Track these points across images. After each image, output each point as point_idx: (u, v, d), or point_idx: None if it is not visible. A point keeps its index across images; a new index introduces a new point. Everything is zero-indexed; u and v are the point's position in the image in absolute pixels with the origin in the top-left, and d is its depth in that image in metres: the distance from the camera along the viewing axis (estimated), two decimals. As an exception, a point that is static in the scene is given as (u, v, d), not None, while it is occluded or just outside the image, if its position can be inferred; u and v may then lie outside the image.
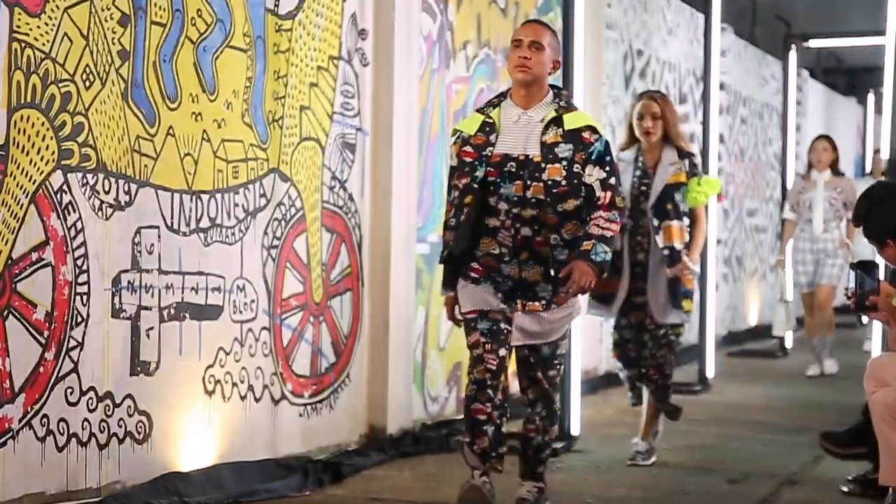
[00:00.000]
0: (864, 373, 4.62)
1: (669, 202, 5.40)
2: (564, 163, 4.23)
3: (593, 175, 4.25)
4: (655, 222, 5.38)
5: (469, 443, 4.29)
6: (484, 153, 4.28)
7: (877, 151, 11.21)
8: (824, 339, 8.94)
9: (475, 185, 4.26)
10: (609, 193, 4.26)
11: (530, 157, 4.24)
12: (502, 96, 4.44)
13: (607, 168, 4.28)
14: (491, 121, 4.34)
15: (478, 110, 4.47)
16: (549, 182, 4.20)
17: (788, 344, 10.54)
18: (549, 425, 4.46)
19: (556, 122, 4.28)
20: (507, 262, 4.27)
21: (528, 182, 4.21)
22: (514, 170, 4.23)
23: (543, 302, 4.29)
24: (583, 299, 4.86)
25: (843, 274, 8.61)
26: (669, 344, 5.47)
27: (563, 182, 4.21)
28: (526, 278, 4.28)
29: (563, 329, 4.40)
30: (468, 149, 4.32)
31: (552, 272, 4.26)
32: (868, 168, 10.68)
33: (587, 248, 4.21)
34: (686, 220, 5.45)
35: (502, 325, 4.27)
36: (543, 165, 4.22)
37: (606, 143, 4.31)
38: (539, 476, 4.47)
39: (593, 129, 4.31)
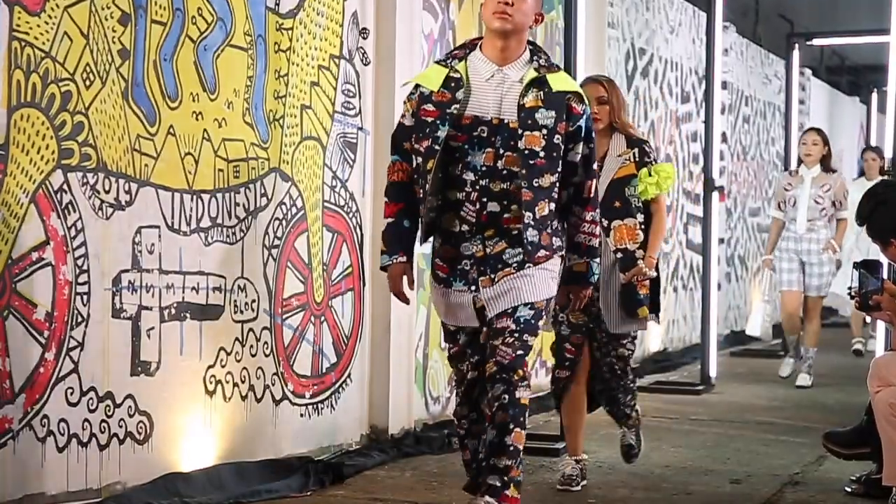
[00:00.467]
0: (866, 373, 4.61)
1: (618, 199, 4.69)
2: (545, 132, 3.68)
3: (578, 153, 3.76)
4: (605, 222, 4.61)
5: (466, 462, 4.02)
6: (448, 111, 3.71)
7: (866, 150, 10.84)
8: (808, 349, 8.33)
9: (437, 148, 3.68)
10: (593, 184, 3.84)
11: (505, 121, 3.69)
12: (467, 48, 3.86)
13: (591, 146, 3.81)
14: (457, 75, 3.75)
15: (438, 62, 3.88)
16: (527, 152, 3.66)
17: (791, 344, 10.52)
18: (511, 420, 3.70)
19: (538, 83, 3.72)
20: (469, 240, 3.76)
21: (501, 151, 3.68)
22: (484, 135, 3.69)
23: (515, 265, 3.74)
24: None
25: (830, 282, 8.29)
26: (622, 357, 4.85)
27: (542, 154, 3.68)
28: (490, 253, 3.76)
29: (546, 288, 3.80)
30: (429, 106, 3.74)
31: (527, 254, 3.73)
32: (871, 170, 10.23)
33: (581, 269, 3.87)
34: (640, 217, 4.74)
35: (481, 338, 3.86)
36: (520, 132, 3.67)
37: (590, 116, 3.81)
38: (496, 491, 3.68)
39: (580, 98, 3.79)
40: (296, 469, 4.79)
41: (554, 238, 3.83)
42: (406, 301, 3.97)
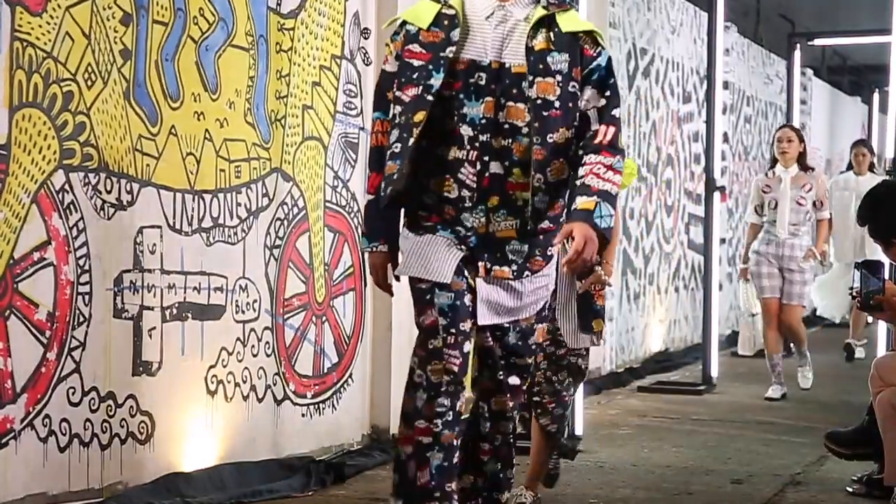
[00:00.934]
0: (868, 373, 4.61)
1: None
2: (559, 78, 3.16)
3: (590, 102, 3.22)
4: None
5: (404, 482, 3.20)
6: (441, 55, 3.16)
7: (857, 144, 10.26)
8: (801, 349, 7.92)
9: (429, 98, 3.13)
10: (611, 129, 3.22)
11: (508, 66, 3.16)
12: None
13: (608, 94, 3.24)
14: (451, 12, 3.21)
15: None
16: (539, 101, 3.13)
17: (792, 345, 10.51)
18: (512, 452, 3.39)
19: (547, 22, 3.21)
20: (469, 210, 3.19)
21: (503, 101, 3.15)
22: (482, 83, 3.15)
23: (515, 267, 3.23)
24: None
25: (809, 289, 7.88)
26: (574, 367, 4.24)
27: (557, 104, 3.15)
28: (494, 233, 3.20)
29: (537, 306, 3.32)
30: (416, 48, 3.21)
31: (529, 225, 3.19)
32: (861, 165, 9.80)
33: (588, 206, 3.11)
34: None
35: (468, 300, 3.20)
36: (532, 79, 3.14)
37: (609, 59, 3.27)
38: None
39: (594, 39, 3.25)
40: (297, 469, 4.79)
41: (565, 214, 3.28)
42: (389, 292, 3.44)
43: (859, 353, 9.89)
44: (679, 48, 9.93)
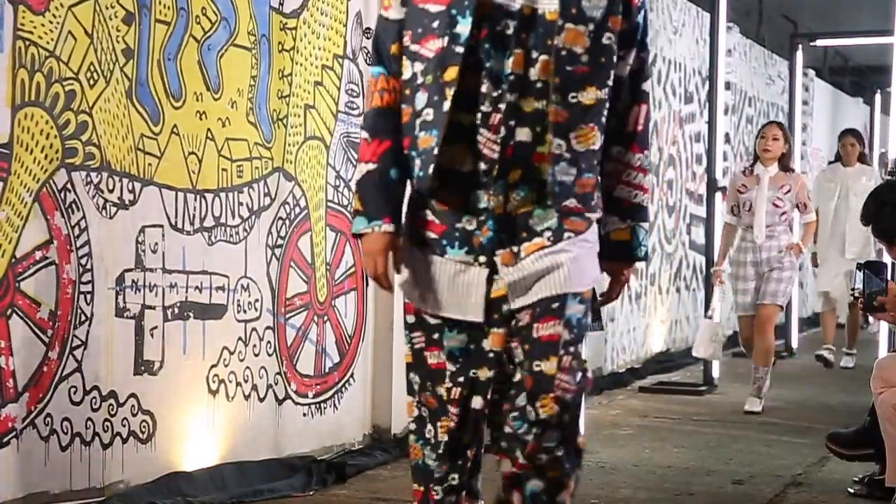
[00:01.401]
0: (869, 374, 4.61)
1: None
2: (591, 26, 2.62)
3: (627, 64, 2.74)
4: None
5: None
6: None
7: (844, 133, 9.62)
8: (759, 368, 7.12)
9: (459, 50, 2.57)
10: (643, 110, 2.79)
11: (541, 12, 2.61)
12: None
13: (644, 55, 2.77)
14: None
15: None
16: (563, 52, 2.60)
17: (794, 344, 10.52)
18: (568, 473, 2.66)
19: None
20: (484, 186, 2.62)
21: (534, 54, 2.60)
22: (509, 32, 2.60)
23: (549, 234, 2.64)
24: None
25: (789, 292, 7.07)
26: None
27: (585, 58, 2.62)
28: (511, 212, 2.64)
29: (594, 268, 2.73)
30: None
31: (549, 201, 2.64)
32: (850, 156, 9.27)
33: (623, 237, 2.78)
34: None
35: (483, 344, 2.65)
36: (561, 24, 2.59)
37: (646, 13, 2.78)
38: None
39: None
40: (298, 469, 4.80)
41: (598, 191, 2.75)
42: (389, 288, 2.75)
43: (846, 361, 9.44)
44: (681, 49, 9.93)
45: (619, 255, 2.82)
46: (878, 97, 15.98)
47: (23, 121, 3.74)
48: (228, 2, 4.59)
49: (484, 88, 2.61)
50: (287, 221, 4.97)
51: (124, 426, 4.13)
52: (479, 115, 2.61)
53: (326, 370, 5.25)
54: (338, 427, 5.30)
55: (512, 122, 2.60)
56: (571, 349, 2.64)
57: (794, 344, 10.52)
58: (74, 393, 3.93)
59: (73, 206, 3.92)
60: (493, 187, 2.62)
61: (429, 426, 2.70)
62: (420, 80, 2.65)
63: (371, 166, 2.71)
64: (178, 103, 4.36)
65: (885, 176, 8.55)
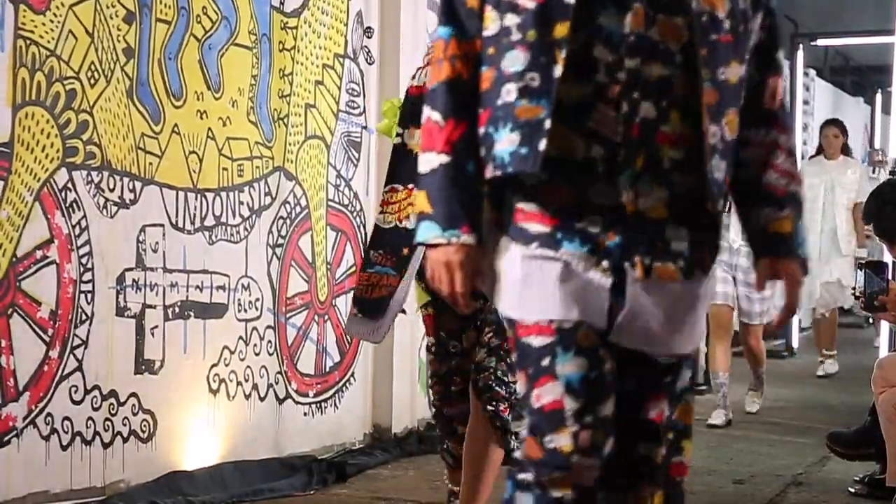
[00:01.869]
0: (870, 374, 4.61)
1: None
2: None
3: (759, 31, 2.24)
4: None
5: None
6: None
7: (826, 124, 9.16)
8: (758, 372, 6.97)
9: (570, 1, 2.03)
10: (780, 83, 2.33)
11: None
12: None
13: (774, 21, 2.28)
14: None
15: None
16: (704, 17, 2.07)
17: (795, 344, 10.52)
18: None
19: None
20: (605, 178, 2.06)
21: (652, 11, 2.05)
22: None
23: (682, 263, 2.09)
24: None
25: (774, 303, 6.57)
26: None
27: (727, 24, 2.11)
28: (644, 211, 2.08)
29: (702, 329, 2.24)
30: None
31: (714, 205, 2.13)
32: (832, 147, 8.79)
33: (783, 229, 2.23)
34: None
35: (607, 369, 2.09)
36: None
37: None
38: None
39: None
40: (299, 468, 4.79)
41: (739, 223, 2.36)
42: (468, 310, 2.31)
43: (829, 367, 8.92)
44: (682, 48, 9.91)
45: (780, 250, 2.25)
46: (878, 97, 15.98)
47: (23, 120, 3.74)
48: (229, 1, 4.59)
49: (596, 52, 2.04)
50: (288, 221, 4.97)
51: (125, 425, 4.13)
52: (593, 87, 2.05)
53: (327, 369, 5.25)
54: (338, 426, 5.30)
55: (636, 95, 2.05)
56: (682, 436, 2.33)
57: (795, 344, 10.51)
58: (75, 392, 3.93)
59: (74, 205, 3.92)
60: (619, 177, 2.05)
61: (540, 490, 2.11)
62: (515, 35, 2.08)
63: (443, 158, 2.15)
64: (179, 102, 4.36)
65: (887, 175, 8.50)
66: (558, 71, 2.04)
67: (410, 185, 3.41)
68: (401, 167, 3.57)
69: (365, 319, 3.50)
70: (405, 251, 3.47)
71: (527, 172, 2.06)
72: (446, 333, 3.62)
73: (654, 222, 2.09)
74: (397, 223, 3.53)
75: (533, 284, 2.09)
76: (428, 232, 2.14)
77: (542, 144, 2.04)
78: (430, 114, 2.19)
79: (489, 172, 2.13)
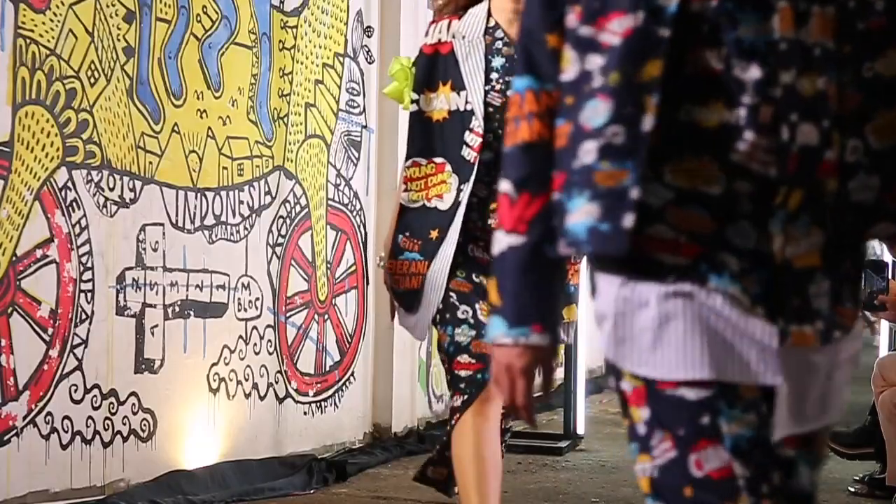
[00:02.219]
0: (870, 373, 4.61)
1: None
2: None
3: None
4: (483, 190, 3.12)
5: None
6: None
7: None
8: None
9: (665, 33, 1.53)
10: None
11: None
12: None
13: None
14: None
15: None
16: (851, 4, 1.58)
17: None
18: None
19: None
20: (750, 219, 1.58)
21: (801, 5, 1.55)
22: None
23: (821, 325, 1.61)
24: None
25: None
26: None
27: (881, 4, 1.62)
28: (792, 259, 1.59)
29: (843, 399, 1.74)
30: None
31: (845, 236, 1.65)
32: None
33: None
34: None
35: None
36: None
37: None
38: None
39: None
40: (299, 467, 4.79)
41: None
42: (533, 424, 1.85)
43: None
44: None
45: None
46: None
47: (23, 119, 3.74)
48: (229, 0, 4.59)
49: (737, 70, 1.56)
50: (288, 220, 4.97)
51: (125, 424, 4.13)
52: (730, 114, 1.57)
53: (327, 369, 5.25)
54: (338, 426, 5.31)
55: (792, 116, 1.57)
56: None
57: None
58: (75, 391, 3.93)
59: (74, 204, 3.92)
60: (770, 222, 1.59)
61: None
62: (597, 80, 1.62)
63: (513, 239, 1.74)
64: (179, 102, 4.36)
65: None
66: (648, 123, 1.58)
67: (435, 159, 3.16)
68: (419, 138, 3.21)
69: (406, 314, 3.29)
70: (433, 234, 3.15)
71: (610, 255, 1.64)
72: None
73: (799, 273, 1.63)
74: (425, 202, 3.18)
75: (678, 332, 1.63)
76: (495, 329, 1.76)
77: (629, 221, 1.58)
78: (503, 185, 1.77)
79: (561, 249, 1.71)
